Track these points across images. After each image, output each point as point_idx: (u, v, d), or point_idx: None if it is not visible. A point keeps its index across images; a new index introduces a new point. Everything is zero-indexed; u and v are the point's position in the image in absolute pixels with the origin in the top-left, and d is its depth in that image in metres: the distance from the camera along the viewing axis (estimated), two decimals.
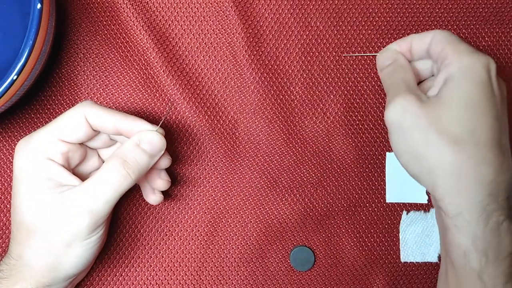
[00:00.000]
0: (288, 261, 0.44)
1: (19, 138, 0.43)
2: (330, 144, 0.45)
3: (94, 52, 0.44)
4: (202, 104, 0.44)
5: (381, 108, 0.45)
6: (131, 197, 0.44)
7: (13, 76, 0.35)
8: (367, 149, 0.45)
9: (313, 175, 0.44)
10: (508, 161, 0.35)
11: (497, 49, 0.45)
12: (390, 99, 0.37)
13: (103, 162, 0.41)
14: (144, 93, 0.44)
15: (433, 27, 0.45)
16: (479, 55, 0.35)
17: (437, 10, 0.45)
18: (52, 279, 0.36)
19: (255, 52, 0.44)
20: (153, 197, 0.40)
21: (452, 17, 0.45)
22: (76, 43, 0.44)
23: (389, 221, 0.45)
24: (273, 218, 0.44)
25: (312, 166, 0.44)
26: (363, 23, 0.45)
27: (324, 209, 0.44)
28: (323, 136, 0.45)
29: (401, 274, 0.45)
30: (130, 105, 0.44)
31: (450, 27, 0.45)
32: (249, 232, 0.44)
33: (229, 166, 0.44)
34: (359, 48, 0.45)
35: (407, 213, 0.44)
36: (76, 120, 0.36)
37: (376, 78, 0.45)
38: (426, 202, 0.45)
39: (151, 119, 0.44)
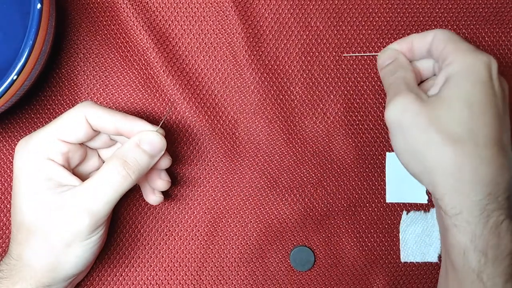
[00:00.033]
0: (288, 261, 0.44)
1: (19, 138, 0.43)
2: (330, 144, 0.45)
3: (94, 52, 0.44)
4: (202, 104, 0.44)
5: (381, 108, 0.45)
6: (131, 197, 0.44)
7: (13, 76, 0.34)
8: (367, 149, 0.45)
9: (313, 175, 0.44)
10: (509, 160, 0.35)
11: (497, 49, 0.45)
12: (390, 98, 0.37)
13: (103, 162, 0.41)
14: (144, 93, 0.44)
15: (433, 27, 0.45)
16: (480, 54, 0.35)
17: (437, 10, 0.45)
18: (52, 279, 0.36)
19: (255, 52, 0.44)
20: (153, 197, 0.40)
21: (452, 17, 0.45)
22: (76, 43, 0.44)
23: (389, 221, 0.45)
24: (273, 218, 0.44)
25: (312, 166, 0.44)
26: (363, 23, 0.45)
27: (324, 209, 0.44)
28: (323, 136, 0.45)
29: (401, 274, 0.45)
30: (130, 105, 0.44)
31: (450, 27, 0.45)
32: (249, 232, 0.44)
33: (229, 166, 0.44)
34: (359, 48, 0.45)
35: (407, 213, 0.44)
36: (76, 120, 0.36)
37: (376, 78, 0.45)
38: (426, 202, 0.45)
39: (151, 119, 0.44)
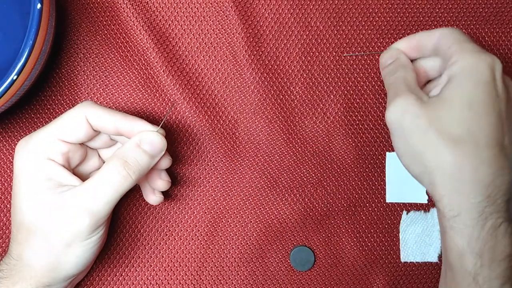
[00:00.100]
0: (288, 261, 0.44)
1: (19, 138, 0.43)
2: (330, 144, 0.45)
3: (94, 52, 0.44)
4: (202, 104, 0.44)
5: (381, 108, 0.45)
6: (131, 197, 0.44)
7: (13, 76, 0.34)
8: (367, 149, 0.45)
9: (313, 175, 0.44)
10: (509, 162, 0.35)
11: (497, 49, 0.45)
12: (391, 99, 0.37)
13: (104, 162, 0.41)
14: (144, 93, 0.44)
15: (433, 27, 0.45)
16: (484, 55, 0.35)
17: (437, 10, 0.45)
18: (52, 279, 0.36)
19: (255, 52, 0.44)
20: (153, 197, 0.40)
21: (452, 17, 0.45)
22: (76, 43, 0.44)
23: (389, 221, 0.45)
24: (273, 218, 0.44)
25: (312, 166, 0.44)
26: (363, 23, 0.45)
27: (324, 209, 0.44)
28: (323, 136, 0.45)
29: (401, 274, 0.45)
30: (130, 105, 0.44)
31: (450, 27, 0.45)
32: (249, 232, 0.44)
33: (229, 166, 0.44)
34: (359, 48, 0.45)
35: (407, 213, 0.44)
36: (77, 120, 0.36)
37: (376, 78, 0.45)
38: (426, 202, 0.45)
39: (151, 119, 0.44)
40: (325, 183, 0.44)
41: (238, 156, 0.44)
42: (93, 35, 0.44)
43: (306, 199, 0.44)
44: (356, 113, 0.45)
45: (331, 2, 0.45)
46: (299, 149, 0.44)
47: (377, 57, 0.45)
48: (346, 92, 0.45)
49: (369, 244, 0.44)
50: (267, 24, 0.44)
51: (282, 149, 0.44)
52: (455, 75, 0.35)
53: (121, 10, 0.44)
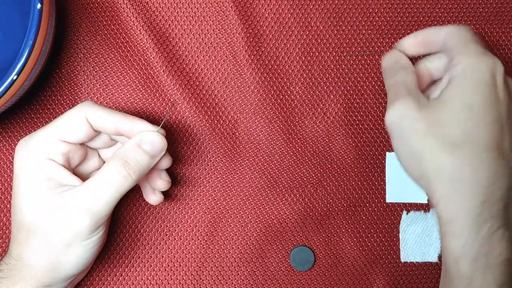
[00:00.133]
0: (288, 261, 0.44)
1: (19, 138, 0.43)
2: (330, 144, 0.45)
3: (94, 52, 0.44)
4: (202, 104, 0.44)
5: (381, 108, 0.45)
6: (131, 197, 0.44)
7: (13, 76, 0.34)
8: (367, 149, 0.45)
9: (313, 175, 0.44)
10: (508, 168, 0.34)
11: (497, 49, 0.45)
12: (390, 103, 0.36)
13: (104, 162, 0.41)
14: (144, 93, 0.44)
15: None
16: (485, 57, 0.35)
17: (437, 10, 0.45)
18: (52, 279, 0.36)
19: (255, 52, 0.44)
20: (153, 197, 0.40)
21: (452, 17, 0.45)
22: (76, 43, 0.44)
23: (389, 221, 0.45)
24: (273, 218, 0.44)
25: (312, 166, 0.44)
26: (363, 23, 0.45)
27: (324, 209, 0.44)
28: (323, 136, 0.45)
29: (401, 274, 0.45)
30: (130, 105, 0.44)
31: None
32: (249, 232, 0.44)
33: (229, 166, 0.44)
34: (359, 48, 0.45)
35: (407, 213, 0.44)
36: (77, 121, 0.36)
37: (376, 78, 0.45)
38: (426, 202, 0.45)
39: (151, 119, 0.44)
40: (325, 183, 0.44)
41: (238, 156, 0.44)
42: (93, 35, 0.44)
43: (306, 199, 0.44)
44: (356, 113, 0.45)
45: (331, 2, 0.45)
46: (299, 149, 0.44)
47: (377, 57, 0.45)
48: (346, 92, 0.45)
49: (369, 244, 0.44)
50: (267, 24, 0.44)
51: (282, 149, 0.44)
52: (455, 78, 0.35)
53: (121, 10, 0.44)
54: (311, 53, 0.45)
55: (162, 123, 0.38)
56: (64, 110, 0.44)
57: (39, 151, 0.36)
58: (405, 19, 0.45)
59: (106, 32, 0.44)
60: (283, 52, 0.44)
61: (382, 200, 0.45)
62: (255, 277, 0.44)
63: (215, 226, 0.44)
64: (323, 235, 0.44)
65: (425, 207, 0.45)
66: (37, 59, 0.36)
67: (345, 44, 0.45)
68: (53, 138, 0.36)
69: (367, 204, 0.45)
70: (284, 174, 0.44)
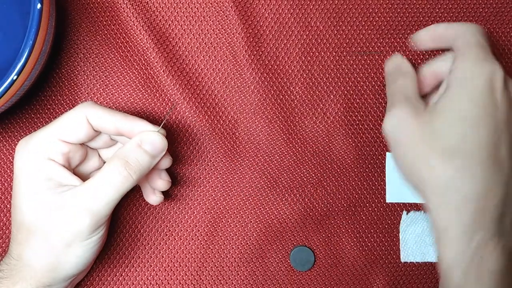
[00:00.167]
0: (288, 261, 0.44)
1: (19, 138, 0.43)
2: (330, 144, 0.45)
3: (94, 52, 0.44)
4: (202, 104, 0.44)
5: (381, 108, 0.45)
6: (131, 197, 0.44)
7: (13, 76, 0.34)
8: (367, 149, 0.45)
9: (313, 175, 0.44)
10: (504, 176, 0.34)
11: (497, 49, 0.45)
12: (387, 110, 0.37)
13: (104, 162, 0.41)
14: (144, 93, 0.44)
15: None
16: (484, 63, 0.34)
17: (437, 10, 0.45)
18: (52, 279, 0.36)
19: (255, 52, 0.44)
20: (153, 197, 0.40)
21: (452, 17, 0.45)
22: (76, 43, 0.44)
23: (389, 221, 0.45)
24: (273, 218, 0.44)
25: (312, 166, 0.44)
26: (363, 23, 0.45)
27: (324, 209, 0.44)
28: (323, 136, 0.45)
29: (401, 274, 0.45)
30: (130, 105, 0.44)
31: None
32: (249, 232, 0.44)
33: (229, 166, 0.44)
34: (359, 48, 0.45)
35: (407, 213, 0.44)
36: (77, 121, 0.36)
37: (376, 78, 0.45)
38: None
39: (151, 119, 0.44)
40: (325, 183, 0.44)
41: (238, 156, 0.44)
42: (93, 35, 0.44)
43: (306, 199, 0.44)
44: (356, 113, 0.45)
45: (331, 2, 0.45)
46: (299, 149, 0.44)
47: (377, 57, 0.45)
48: (346, 92, 0.45)
49: (369, 244, 0.44)
50: (267, 24, 0.44)
51: (282, 149, 0.44)
52: (451, 85, 0.35)
53: (121, 10, 0.44)
54: (311, 53, 0.45)
55: (163, 123, 0.38)
56: (64, 110, 0.44)
57: (39, 151, 0.36)
58: (405, 19, 0.45)
59: (106, 32, 0.44)
60: (283, 52, 0.44)
61: (382, 200, 0.45)
62: (255, 277, 0.44)
63: (215, 226, 0.44)
64: (323, 235, 0.44)
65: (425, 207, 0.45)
66: (37, 59, 0.36)
67: (345, 44, 0.45)
68: (53, 138, 0.36)
69: (367, 204, 0.45)
70: (284, 174, 0.44)
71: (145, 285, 0.44)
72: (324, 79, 0.45)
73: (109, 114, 0.36)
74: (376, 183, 0.45)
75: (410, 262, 0.44)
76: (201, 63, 0.44)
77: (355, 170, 0.45)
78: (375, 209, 0.45)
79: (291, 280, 0.44)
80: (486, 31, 0.45)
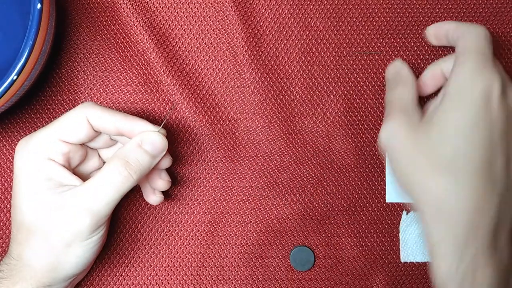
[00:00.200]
0: (288, 261, 0.44)
1: (19, 138, 0.43)
2: (330, 144, 0.45)
3: (94, 52, 0.44)
4: (202, 104, 0.44)
5: (381, 108, 0.45)
6: (131, 197, 0.44)
7: (13, 76, 0.34)
8: (367, 149, 0.45)
9: (313, 175, 0.44)
10: (498, 191, 0.33)
11: (497, 49, 0.45)
12: (384, 121, 0.36)
13: (104, 162, 0.41)
14: (144, 93, 0.44)
15: None
16: (482, 74, 0.33)
17: (437, 10, 0.45)
18: (52, 279, 0.36)
19: (255, 52, 0.44)
20: (153, 197, 0.40)
21: (452, 17, 0.45)
22: (76, 43, 0.44)
23: (389, 221, 0.45)
24: (273, 218, 0.44)
25: (312, 166, 0.44)
26: (363, 23, 0.45)
27: (324, 209, 0.44)
28: (323, 136, 0.45)
29: (401, 274, 0.45)
30: (130, 105, 0.44)
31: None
32: (249, 232, 0.44)
33: (229, 166, 0.44)
34: (359, 48, 0.45)
35: (407, 213, 0.44)
36: (78, 121, 0.36)
37: (376, 78, 0.45)
38: None
39: (151, 119, 0.44)
40: (325, 183, 0.44)
41: (238, 156, 0.44)
42: (93, 35, 0.44)
43: (306, 199, 0.44)
44: (356, 113, 0.45)
45: (331, 2, 0.45)
46: (299, 149, 0.44)
47: (377, 57, 0.45)
48: (346, 92, 0.45)
49: (369, 244, 0.44)
50: (267, 24, 0.44)
51: (282, 149, 0.44)
52: (447, 96, 0.34)
53: (121, 10, 0.44)
54: (311, 53, 0.45)
55: (163, 123, 0.39)
56: (64, 110, 0.44)
57: (39, 151, 0.36)
58: (405, 19, 0.45)
59: (106, 32, 0.44)
60: (283, 52, 0.44)
61: (382, 200, 0.45)
62: (255, 277, 0.44)
63: (215, 226, 0.44)
64: (323, 235, 0.44)
65: None
66: (37, 59, 0.36)
67: (345, 44, 0.45)
68: (54, 138, 0.36)
69: (367, 204, 0.45)
70: (284, 174, 0.44)
71: (145, 285, 0.44)
72: (324, 79, 0.45)
73: (110, 114, 0.36)
74: (376, 183, 0.45)
75: (410, 262, 0.44)
76: (201, 63, 0.44)
77: (355, 170, 0.45)
78: (375, 209, 0.45)
79: (291, 280, 0.44)
80: (489, 34, 0.45)
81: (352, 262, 0.44)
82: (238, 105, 0.44)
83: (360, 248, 0.44)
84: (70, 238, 0.35)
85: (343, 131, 0.44)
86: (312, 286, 0.44)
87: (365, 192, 0.45)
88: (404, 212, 0.45)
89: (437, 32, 0.40)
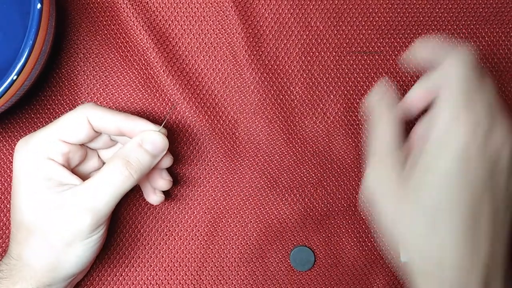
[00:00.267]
0: (288, 261, 0.44)
1: (19, 138, 0.43)
2: (330, 144, 0.45)
3: (94, 52, 0.44)
4: (202, 104, 0.44)
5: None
6: (131, 197, 0.44)
7: (13, 76, 0.34)
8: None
9: (313, 175, 0.44)
10: (484, 246, 0.31)
11: (497, 49, 0.45)
12: (367, 163, 0.34)
13: (103, 163, 0.41)
14: (144, 93, 0.44)
15: (433, 27, 0.45)
16: (465, 114, 0.31)
17: (437, 10, 0.45)
18: (52, 279, 0.36)
19: (255, 52, 0.44)
20: (154, 197, 0.40)
21: (452, 17, 0.45)
22: (76, 43, 0.44)
23: None
24: (273, 218, 0.44)
25: (312, 166, 0.44)
26: (363, 23, 0.45)
27: (324, 209, 0.44)
28: (323, 136, 0.45)
29: (401, 274, 0.44)
30: (130, 105, 0.44)
31: (450, 27, 0.45)
32: (249, 232, 0.44)
33: (229, 166, 0.44)
34: (359, 48, 0.45)
35: None
36: (78, 121, 0.36)
37: (376, 78, 0.45)
38: None
39: (151, 119, 0.44)
40: (325, 183, 0.44)
41: (238, 156, 0.44)
42: (93, 35, 0.44)
43: (306, 199, 0.44)
44: (356, 113, 0.45)
45: (331, 2, 0.45)
46: (299, 149, 0.44)
47: (377, 57, 0.45)
48: (346, 92, 0.45)
49: (369, 244, 0.44)
50: (267, 24, 0.44)
51: (282, 149, 0.44)
52: (429, 144, 0.32)
53: (121, 10, 0.44)
54: (311, 53, 0.45)
55: (163, 123, 0.39)
56: (64, 110, 0.44)
57: (39, 151, 0.36)
58: (405, 19, 0.45)
59: (106, 32, 0.44)
60: (283, 52, 0.44)
61: None
62: (255, 277, 0.44)
63: (215, 226, 0.44)
64: (323, 235, 0.44)
65: None
66: (37, 59, 0.36)
67: (345, 44, 0.45)
68: (53, 138, 0.36)
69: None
70: (284, 174, 0.44)
71: (145, 285, 0.44)
72: (324, 79, 0.45)
73: (110, 114, 0.36)
74: None
75: None
76: (201, 63, 0.44)
77: (355, 170, 0.45)
78: None
79: (291, 280, 0.44)
80: (486, 31, 0.45)
81: (352, 262, 0.44)
82: (238, 105, 0.44)
83: (360, 248, 0.44)
84: (70, 238, 0.35)
85: (343, 131, 0.44)
86: (312, 286, 0.44)
87: None
88: None
89: (433, 52, 0.35)
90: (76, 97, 0.44)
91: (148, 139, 0.36)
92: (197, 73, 0.44)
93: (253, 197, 0.44)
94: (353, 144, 0.44)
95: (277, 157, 0.44)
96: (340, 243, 0.44)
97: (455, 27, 0.45)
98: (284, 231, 0.44)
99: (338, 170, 0.45)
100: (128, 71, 0.44)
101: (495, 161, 0.31)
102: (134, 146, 0.36)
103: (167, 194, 0.44)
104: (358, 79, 0.45)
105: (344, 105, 0.45)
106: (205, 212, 0.44)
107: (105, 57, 0.44)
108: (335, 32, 0.45)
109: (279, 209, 0.44)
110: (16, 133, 0.44)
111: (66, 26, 0.44)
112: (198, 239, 0.44)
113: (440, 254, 0.31)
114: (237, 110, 0.44)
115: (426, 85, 0.35)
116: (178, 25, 0.44)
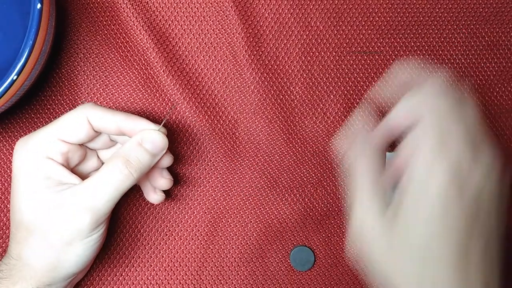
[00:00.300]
0: (288, 261, 0.44)
1: (19, 138, 0.43)
2: (330, 144, 0.45)
3: (94, 52, 0.44)
4: (202, 104, 0.44)
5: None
6: (131, 197, 0.44)
7: (13, 76, 0.34)
8: None
9: (313, 175, 0.44)
10: (477, 275, 0.30)
11: (497, 49, 0.45)
12: (351, 205, 0.33)
13: (103, 163, 0.41)
14: (144, 93, 0.44)
15: (433, 27, 0.45)
16: (443, 155, 0.30)
17: (437, 10, 0.45)
18: (52, 278, 0.36)
19: (255, 52, 0.44)
20: (154, 196, 0.40)
21: (452, 17, 0.45)
22: (76, 43, 0.44)
23: None
24: (273, 218, 0.44)
25: (312, 166, 0.44)
26: (363, 23, 0.45)
27: (324, 209, 0.44)
28: (323, 136, 0.45)
29: None
30: (130, 105, 0.44)
31: (450, 27, 0.45)
32: (249, 232, 0.44)
33: (229, 166, 0.44)
34: (359, 48, 0.45)
35: None
36: (78, 121, 0.36)
37: (376, 78, 0.45)
38: None
39: (151, 119, 0.44)
40: (325, 183, 0.44)
41: (238, 156, 0.44)
42: (93, 35, 0.44)
43: (306, 199, 0.44)
44: None
45: (331, 2, 0.45)
46: (299, 149, 0.44)
47: (377, 57, 0.45)
48: (346, 92, 0.45)
49: None
50: (267, 24, 0.44)
51: (282, 149, 0.44)
52: (410, 186, 0.31)
53: (121, 10, 0.44)
54: (311, 53, 0.45)
55: (163, 123, 0.39)
56: (64, 110, 0.44)
57: (38, 150, 0.36)
58: (405, 19, 0.45)
59: (106, 32, 0.44)
60: (283, 52, 0.44)
61: None
62: (255, 277, 0.44)
63: (215, 226, 0.44)
64: (323, 235, 0.44)
65: None
66: (37, 59, 0.36)
67: (345, 44, 0.45)
68: (53, 138, 0.36)
69: None
70: (284, 174, 0.44)
71: (145, 285, 0.44)
72: (324, 79, 0.45)
73: (110, 114, 0.36)
74: None
75: None
76: (201, 63, 0.44)
77: None
78: None
79: (291, 280, 0.44)
80: (486, 31, 0.45)
81: (352, 262, 0.44)
82: (238, 105, 0.44)
83: None
84: (69, 237, 0.35)
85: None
86: (312, 286, 0.44)
87: None
88: None
89: (406, 81, 0.35)
90: (76, 97, 0.44)
91: (148, 138, 0.36)
92: (197, 73, 0.44)
93: (253, 197, 0.44)
94: None
95: (277, 157, 0.44)
96: (340, 243, 0.44)
97: (455, 27, 0.45)
98: (284, 231, 0.44)
99: (338, 170, 0.44)
100: (128, 71, 0.44)
101: (479, 195, 0.30)
102: (134, 145, 0.36)
103: (167, 194, 0.44)
104: (358, 79, 0.45)
105: (344, 105, 0.45)
106: (205, 212, 0.44)
107: (105, 57, 0.44)
108: (335, 32, 0.45)
109: (279, 209, 0.44)
110: (16, 133, 0.44)
111: (66, 26, 0.44)
112: (198, 239, 0.44)
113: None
114: (237, 110, 0.44)
115: (407, 106, 0.33)
116: (178, 25, 0.44)
